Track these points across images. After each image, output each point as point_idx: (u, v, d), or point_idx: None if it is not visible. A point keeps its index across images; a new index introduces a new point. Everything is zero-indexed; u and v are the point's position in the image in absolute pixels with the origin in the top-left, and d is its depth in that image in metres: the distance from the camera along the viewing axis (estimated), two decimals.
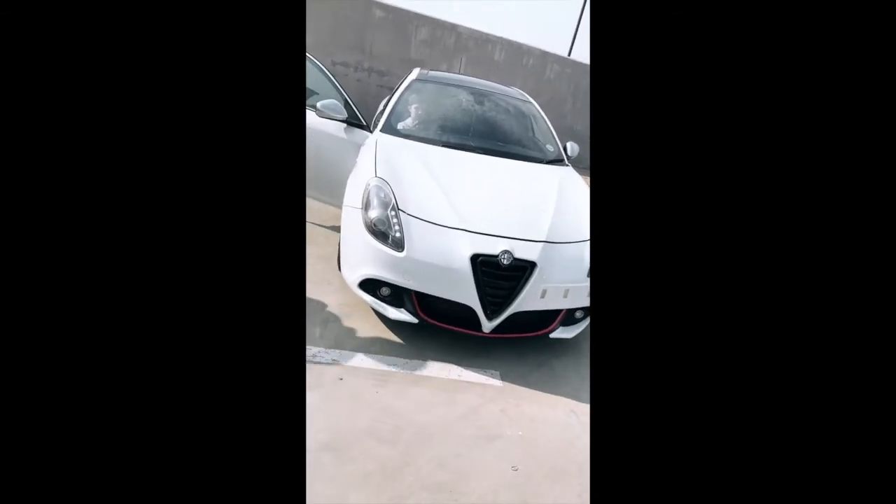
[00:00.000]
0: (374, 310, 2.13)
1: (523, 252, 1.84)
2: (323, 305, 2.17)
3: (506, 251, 1.81)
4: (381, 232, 1.89)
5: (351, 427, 1.51)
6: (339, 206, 2.89)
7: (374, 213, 1.93)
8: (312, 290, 2.27)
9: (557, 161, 2.79)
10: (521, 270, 1.84)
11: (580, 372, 2.08)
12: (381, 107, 4.12)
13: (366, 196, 1.99)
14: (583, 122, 6.70)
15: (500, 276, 1.83)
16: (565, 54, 6.92)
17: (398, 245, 1.85)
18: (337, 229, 3.08)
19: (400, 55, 5.88)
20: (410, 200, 1.96)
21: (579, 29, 10.06)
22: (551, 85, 6.48)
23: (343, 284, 2.33)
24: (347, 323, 2.08)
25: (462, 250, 1.82)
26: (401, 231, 1.86)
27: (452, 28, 5.94)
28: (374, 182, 2.02)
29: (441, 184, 2.10)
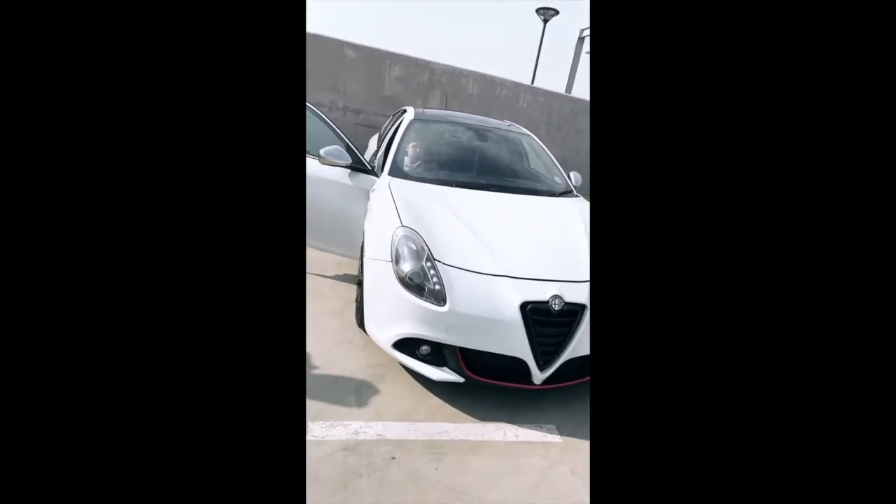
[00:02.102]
0: (405, 368, 1.95)
1: (573, 295, 1.74)
2: (349, 369, 1.97)
3: (556, 296, 1.70)
4: (416, 285, 1.75)
5: None
6: (344, 255, 2.74)
7: (407, 266, 1.78)
8: (333, 353, 2.07)
9: (567, 193, 2.75)
10: (573, 315, 1.74)
11: None
12: (371, 146, 4.03)
13: (394, 247, 1.85)
14: (557, 147, 6.86)
15: (551, 322, 1.72)
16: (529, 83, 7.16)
17: (438, 298, 1.71)
18: (343, 279, 2.90)
19: (374, 93, 5.86)
20: (444, 249, 1.83)
21: (539, 58, 10.50)
22: (525, 113, 6.62)
23: (366, 342, 2.15)
24: (382, 387, 1.89)
25: (510, 299, 1.69)
26: (440, 283, 1.73)
27: (426, 65, 6.00)
28: (401, 232, 1.89)
29: (471, 228, 1.99)
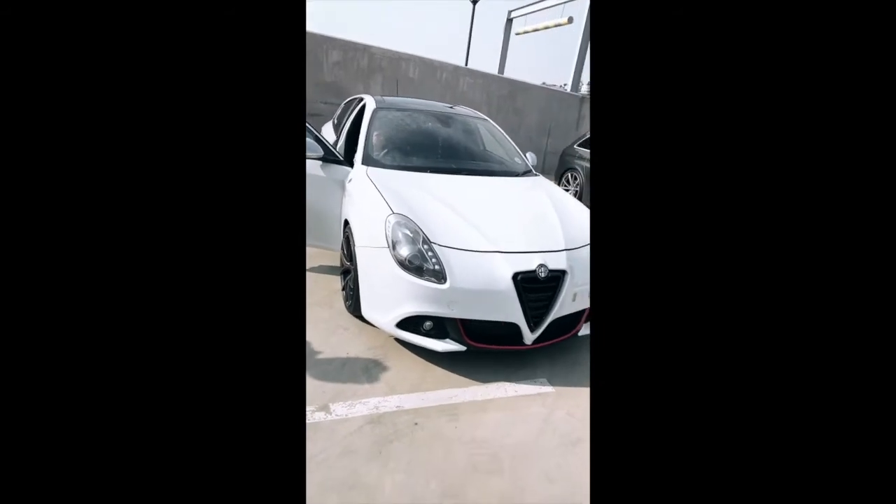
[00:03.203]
0: (403, 344, 2.10)
1: (555, 262, 1.98)
2: (353, 353, 2.08)
3: (542, 265, 1.93)
4: (416, 267, 1.88)
5: (454, 467, 1.50)
6: (320, 247, 2.77)
7: (405, 250, 1.91)
8: (332, 340, 2.16)
9: (528, 172, 2.99)
10: (555, 280, 1.98)
11: None
12: (327, 134, 3.99)
13: (389, 234, 1.96)
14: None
15: (538, 288, 1.95)
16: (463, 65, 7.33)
17: (439, 277, 1.86)
18: (321, 271, 2.94)
19: (314, 79, 5.70)
20: (436, 231, 1.98)
21: (471, 41, 10.64)
22: (466, 96, 6.79)
23: (360, 328, 2.25)
24: (388, 365, 2.02)
25: (503, 271, 1.89)
26: (438, 263, 1.88)
27: (365, 49, 5.92)
28: (393, 219, 2.00)
29: (455, 210, 2.15)
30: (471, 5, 10.73)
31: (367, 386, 1.87)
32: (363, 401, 1.77)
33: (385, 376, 1.95)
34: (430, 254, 1.90)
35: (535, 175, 3.00)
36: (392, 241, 1.95)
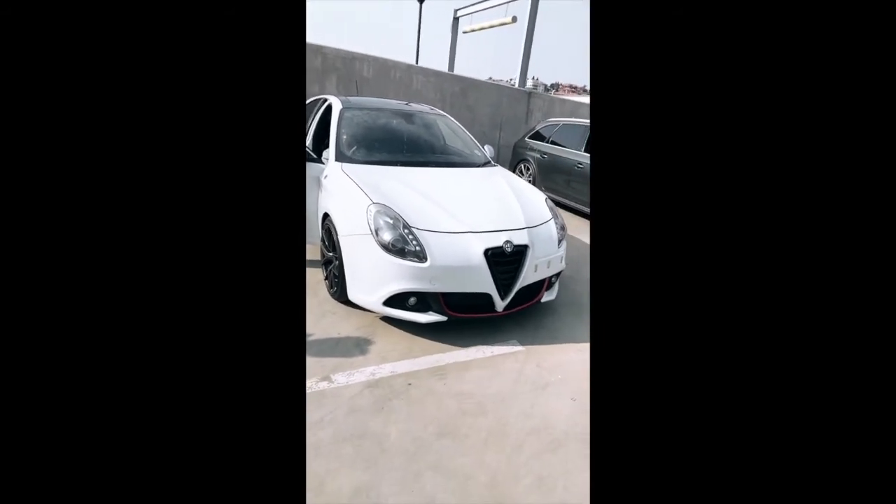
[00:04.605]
0: (389, 322, 2.33)
1: (519, 239, 2.28)
2: (344, 332, 2.29)
3: (507, 241, 2.23)
4: (399, 250, 2.12)
5: (446, 414, 1.77)
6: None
7: (388, 235, 2.14)
8: (323, 323, 2.35)
9: (487, 163, 3.29)
10: (519, 254, 2.29)
11: (565, 323, 2.63)
12: None
13: (371, 222, 2.18)
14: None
15: (505, 262, 2.24)
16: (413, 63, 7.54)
17: (420, 257, 2.11)
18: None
19: None
20: (414, 216, 2.22)
21: (420, 41, 10.83)
22: (420, 94, 7.01)
23: (347, 312, 2.46)
24: (377, 340, 2.25)
25: (475, 249, 2.17)
26: (419, 245, 2.12)
27: (318, 49, 5.99)
28: (374, 208, 2.22)
29: (428, 197, 2.40)
30: (417, 4, 10.94)
31: (361, 358, 2.09)
32: (360, 370, 1.99)
33: (376, 349, 2.18)
34: (410, 237, 2.14)
35: (494, 165, 3.31)
36: (374, 228, 2.17)
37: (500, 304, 2.28)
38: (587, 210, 5.02)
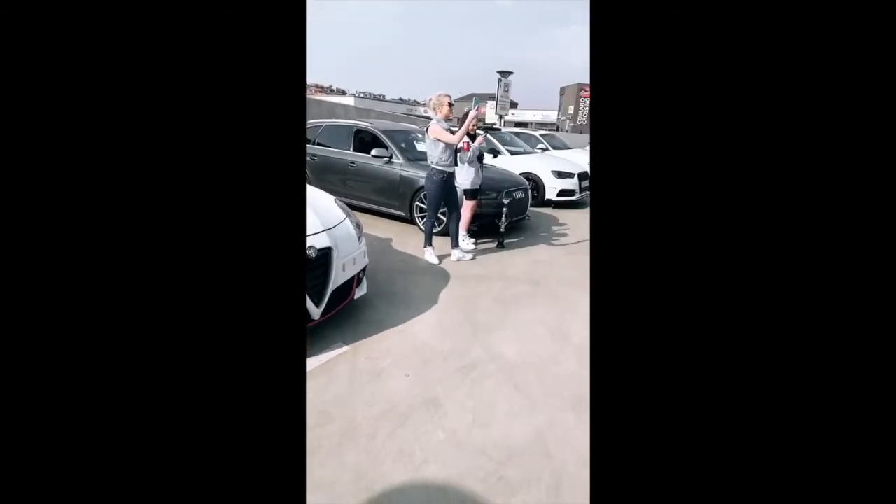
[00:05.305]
0: None
1: (321, 242, 2.28)
2: None
3: (311, 246, 2.20)
4: None
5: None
6: None
7: None
8: None
9: None
10: (325, 257, 2.30)
11: (382, 312, 2.80)
12: None
13: None
14: None
15: (314, 267, 2.22)
16: None
17: None
18: None
19: None
20: None
21: None
22: None
23: None
24: None
25: None
26: None
27: None
28: None
29: None
30: None
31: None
32: None
33: None
34: None
35: None
36: None
37: (315, 312, 2.26)
38: (369, 206, 5.29)
